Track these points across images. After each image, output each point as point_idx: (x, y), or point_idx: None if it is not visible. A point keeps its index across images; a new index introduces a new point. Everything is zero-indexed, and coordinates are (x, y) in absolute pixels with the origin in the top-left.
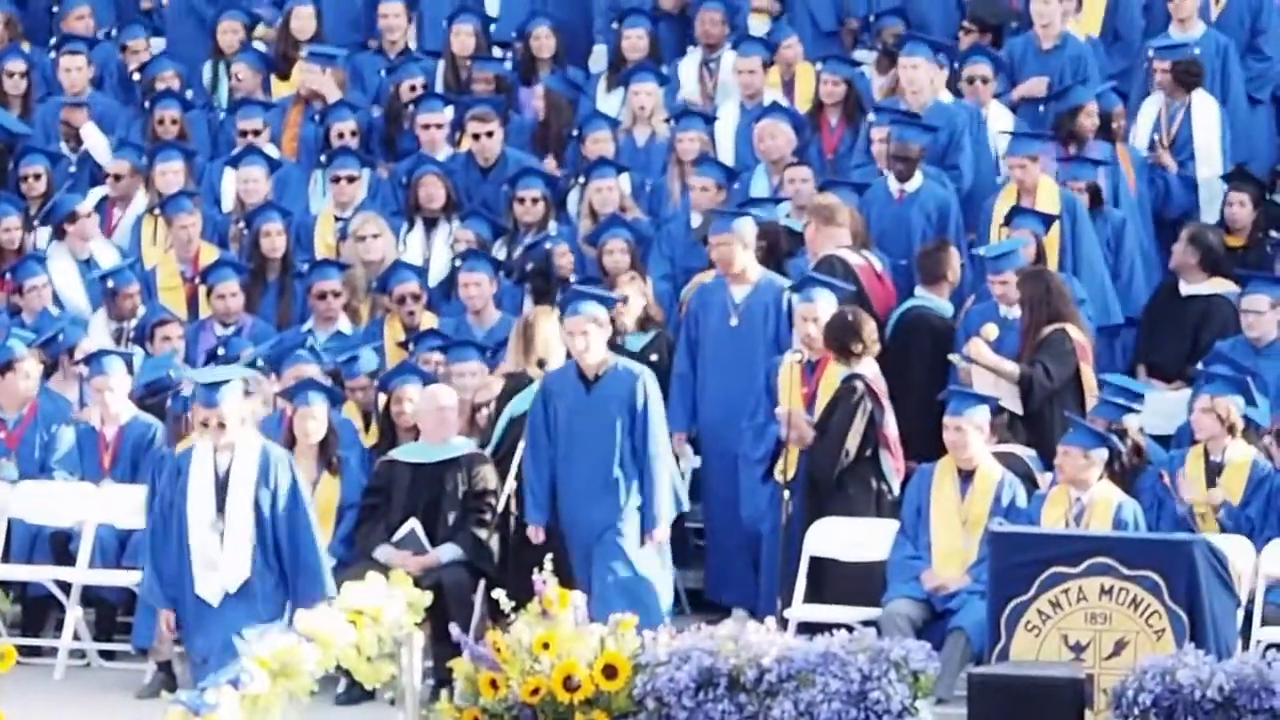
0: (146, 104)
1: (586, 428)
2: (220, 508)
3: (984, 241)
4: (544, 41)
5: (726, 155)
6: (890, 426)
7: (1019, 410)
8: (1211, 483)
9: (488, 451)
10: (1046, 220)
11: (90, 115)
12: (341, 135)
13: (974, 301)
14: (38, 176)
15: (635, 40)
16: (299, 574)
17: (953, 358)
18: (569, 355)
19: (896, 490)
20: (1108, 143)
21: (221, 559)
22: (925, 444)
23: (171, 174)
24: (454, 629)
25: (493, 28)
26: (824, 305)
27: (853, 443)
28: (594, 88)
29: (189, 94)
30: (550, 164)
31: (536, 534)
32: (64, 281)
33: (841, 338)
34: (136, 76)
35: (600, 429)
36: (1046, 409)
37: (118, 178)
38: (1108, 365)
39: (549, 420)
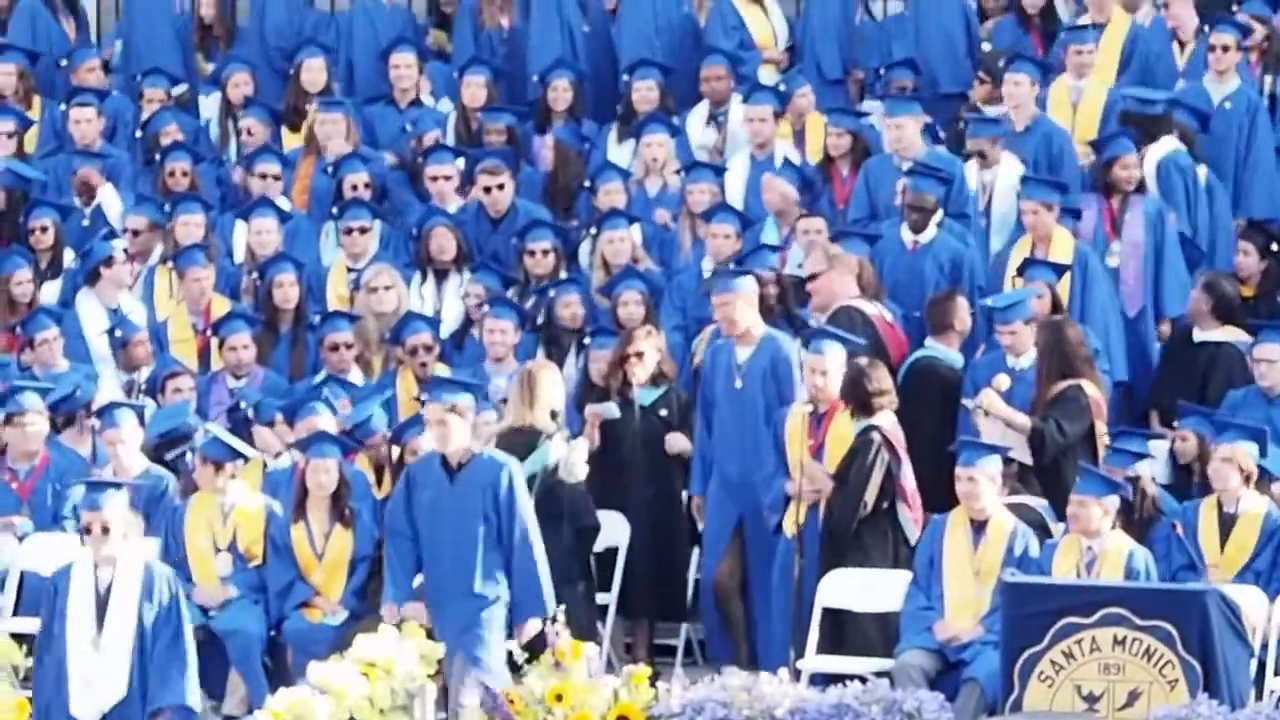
0: (154, 156)
1: (449, 518)
2: (100, 624)
3: (997, 292)
4: (560, 94)
5: (737, 206)
6: (907, 478)
7: (1029, 461)
8: (1226, 536)
9: None
10: (1059, 270)
11: (103, 172)
12: (355, 187)
13: (983, 352)
14: (45, 229)
15: (645, 92)
16: (164, 693)
17: (966, 402)
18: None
19: (914, 542)
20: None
21: (99, 677)
22: (934, 494)
23: (193, 225)
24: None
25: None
26: (833, 357)
27: (871, 495)
28: (605, 139)
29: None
30: (560, 217)
31: (391, 613)
32: (91, 329)
33: (858, 392)
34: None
35: (463, 519)
36: (1060, 459)
37: (136, 233)
38: (1119, 412)
39: (411, 509)
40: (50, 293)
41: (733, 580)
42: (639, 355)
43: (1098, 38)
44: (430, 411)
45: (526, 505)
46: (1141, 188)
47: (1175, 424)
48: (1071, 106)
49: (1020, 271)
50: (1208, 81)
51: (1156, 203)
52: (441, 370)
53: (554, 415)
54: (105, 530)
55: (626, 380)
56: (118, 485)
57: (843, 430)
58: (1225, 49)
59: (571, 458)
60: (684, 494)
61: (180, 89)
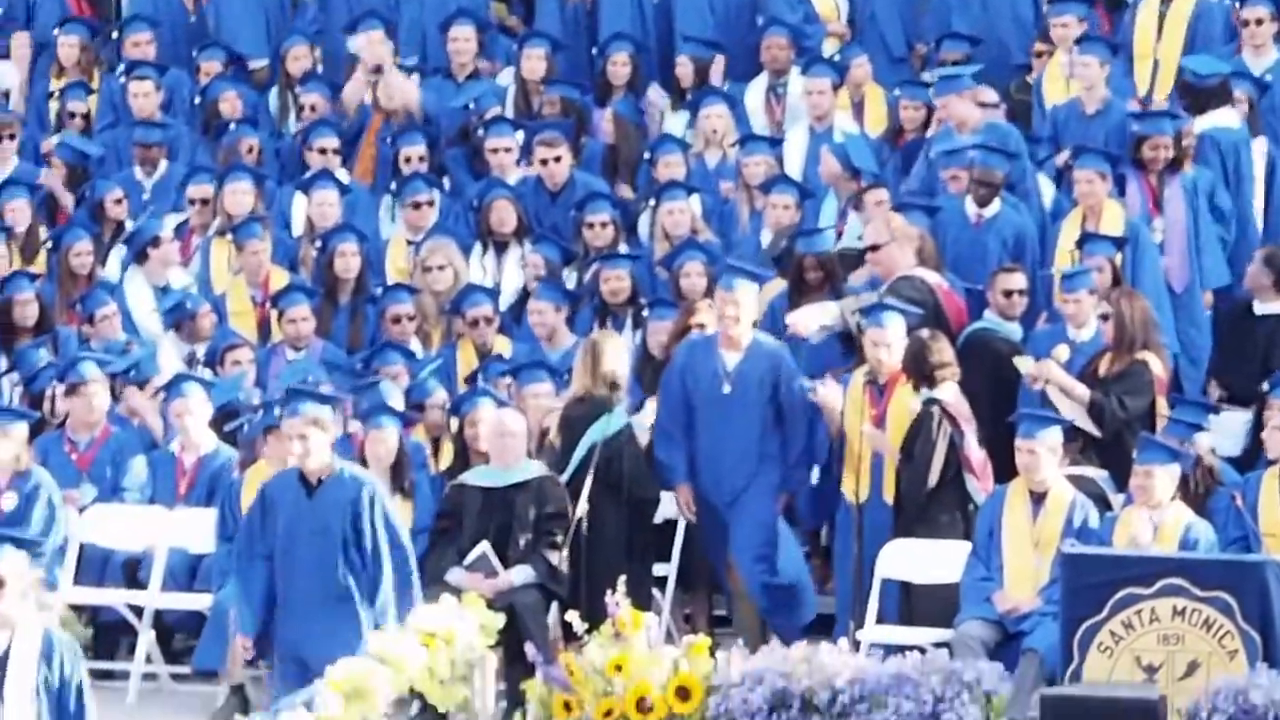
0: (211, 127)
1: (307, 537)
2: None
3: (1049, 264)
4: (619, 67)
5: (795, 178)
6: (972, 449)
7: (1096, 432)
8: None
9: (563, 476)
10: (1119, 244)
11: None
12: (409, 160)
13: (1045, 321)
14: (118, 201)
15: (619, 66)
16: None
17: (1020, 364)
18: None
19: (975, 506)
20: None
21: None
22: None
23: (241, 194)
24: (529, 648)
25: None
26: (893, 329)
27: (935, 469)
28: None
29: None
30: (624, 190)
31: (245, 647)
32: (139, 308)
33: (919, 365)
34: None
35: (321, 538)
36: (1122, 431)
37: (205, 202)
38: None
39: (266, 528)
40: (115, 263)
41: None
42: (701, 327)
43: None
44: (289, 427)
45: (391, 523)
46: (1177, 164)
47: (1270, 395)
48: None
49: (1080, 244)
50: (1246, 57)
51: (1192, 177)
52: (501, 343)
53: (614, 386)
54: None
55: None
56: (17, 541)
57: (904, 401)
58: (1260, 22)
59: (632, 425)
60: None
61: (259, 64)
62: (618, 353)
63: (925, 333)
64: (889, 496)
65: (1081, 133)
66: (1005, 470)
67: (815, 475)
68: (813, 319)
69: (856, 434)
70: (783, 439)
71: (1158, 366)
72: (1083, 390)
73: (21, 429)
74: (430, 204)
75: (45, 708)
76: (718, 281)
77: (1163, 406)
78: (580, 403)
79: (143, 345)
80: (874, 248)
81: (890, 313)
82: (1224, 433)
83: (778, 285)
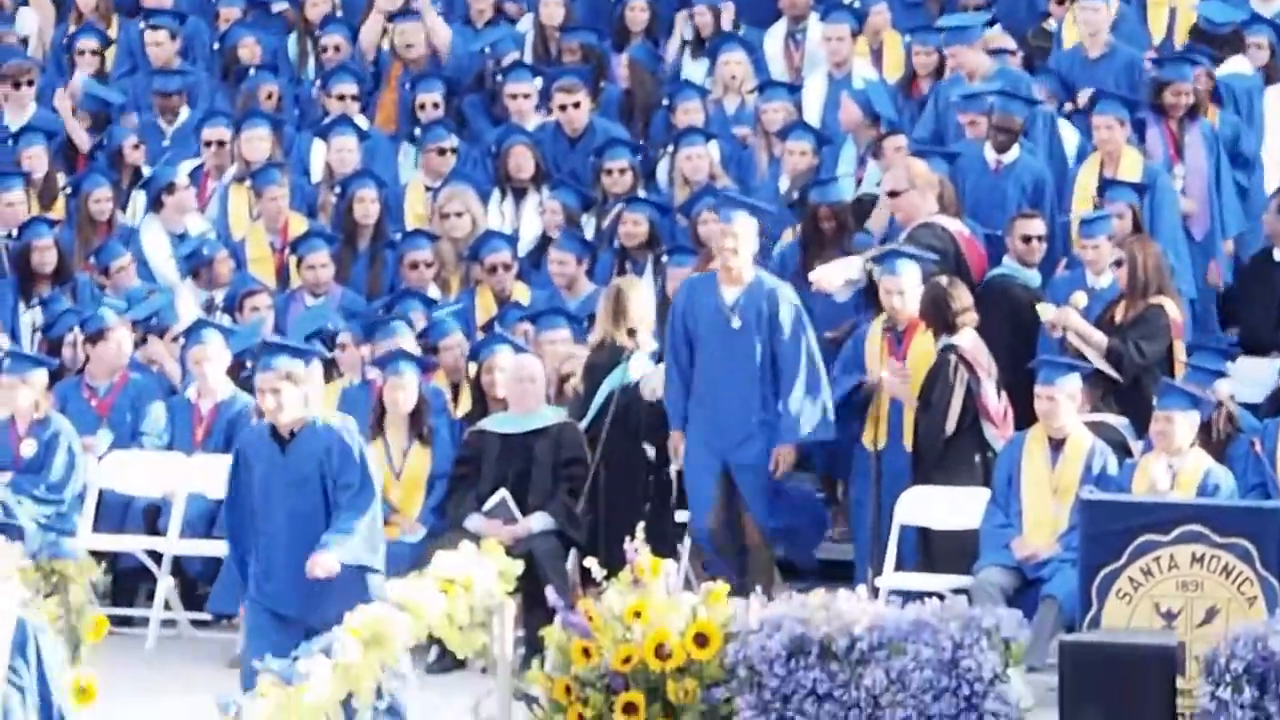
0: (231, 73)
1: (283, 490)
2: None
3: (1067, 210)
4: (637, 13)
5: (814, 125)
6: (989, 396)
7: (1117, 375)
8: None
9: (582, 423)
10: (1140, 190)
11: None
12: (424, 107)
13: (1064, 268)
14: (136, 147)
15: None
16: None
17: (1040, 309)
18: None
19: (994, 452)
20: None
21: None
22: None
23: (259, 141)
24: (550, 592)
25: None
26: (909, 276)
27: (953, 416)
28: (681, 57)
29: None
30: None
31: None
32: (156, 255)
33: (939, 311)
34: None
35: (297, 492)
36: (1141, 377)
37: (221, 144)
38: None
39: (243, 484)
40: (137, 208)
41: (725, 529)
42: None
43: None
44: (262, 380)
45: (361, 461)
46: (1196, 111)
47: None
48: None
49: (1101, 191)
50: (1255, 5)
51: (1213, 124)
52: (520, 289)
53: (632, 333)
54: None
55: None
56: None
57: (924, 347)
58: None
59: (653, 376)
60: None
61: (280, 6)
62: (642, 299)
63: (944, 279)
64: (908, 443)
65: (1087, 78)
66: (1024, 417)
67: (828, 417)
68: (836, 275)
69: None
70: (776, 384)
71: (1173, 310)
72: (1100, 337)
73: (41, 376)
74: (451, 151)
75: (19, 702)
76: (720, 219)
77: (1180, 352)
78: (601, 349)
79: (161, 293)
80: (894, 194)
81: (905, 260)
82: (1245, 379)
83: (787, 236)
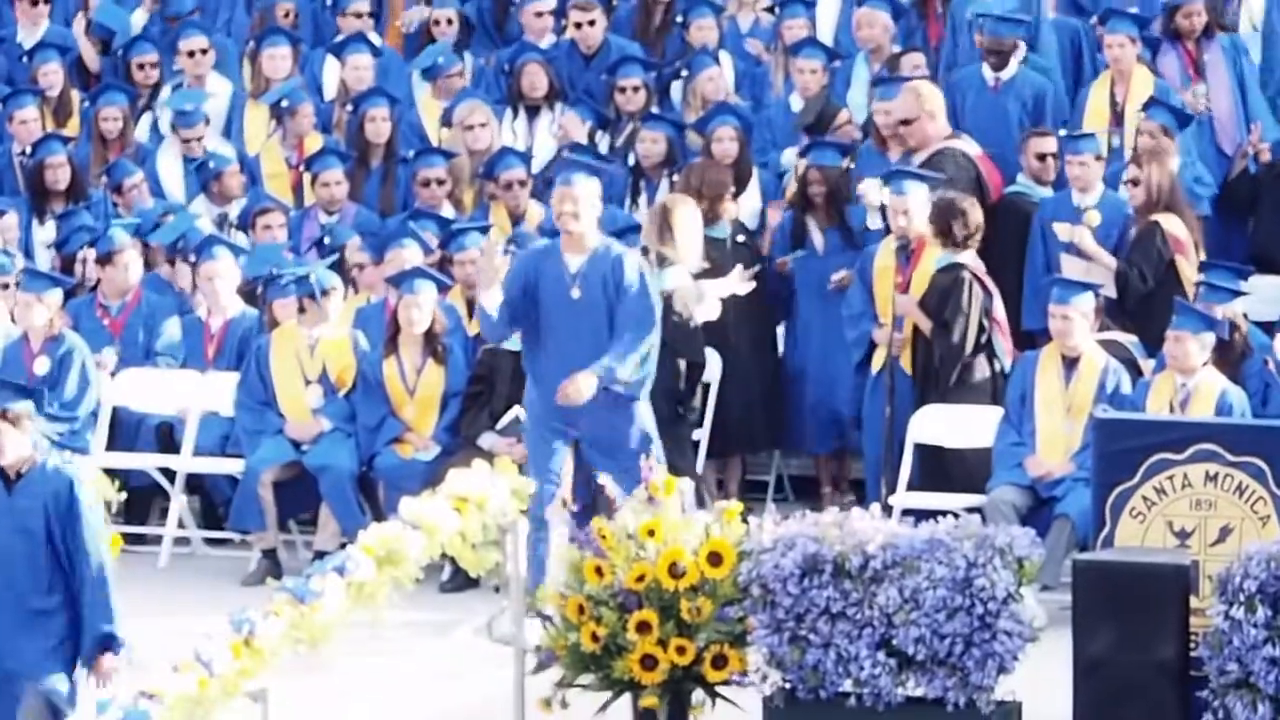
0: None
1: (4, 535)
2: None
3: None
4: None
5: (827, 41)
6: (999, 309)
7: (1113, 295)
8: None
9: None
10: (1181, 119)
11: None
12: (438, 23)
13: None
14: (154, 65)
15: None
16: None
17: (1057, 228)
18: None
19: (1008, 368)
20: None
21: None
22: (1016, 329)
23: (280, 59)
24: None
25: None
26: (914, 195)
27: (971, 332)
28: None
29: None
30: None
31: None
32: (169, 177)
33: (945, 220)
34: None
35: (19, 536)
36: (1150, 296)
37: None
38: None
39: None
40: (145, 127)
41: (578, 499)
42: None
43: None
44: None
45: (95, 521)
46: (1210, 29)
47: None
48: None
49: (1144, 107)
50: None
51: (1232, 38)
52: (534, 207)
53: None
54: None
55: (712, 214)
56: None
57: (931, 265)
58: None
59: (689, 290)
60: (778, 328)
61: None
62: (687, 215)
63: (958, 195)
64: (906, 365)
65: None
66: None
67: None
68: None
69: (886, 302)
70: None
71: (1174, 227)
72: (1109, 259)
73: (56, 294)
74: (458, 74)
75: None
76: (555, 181)
77: (1186, 269)
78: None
79: (180, 214)
80: (905, 122)
81: (910, 180)
82: (1260, 297)
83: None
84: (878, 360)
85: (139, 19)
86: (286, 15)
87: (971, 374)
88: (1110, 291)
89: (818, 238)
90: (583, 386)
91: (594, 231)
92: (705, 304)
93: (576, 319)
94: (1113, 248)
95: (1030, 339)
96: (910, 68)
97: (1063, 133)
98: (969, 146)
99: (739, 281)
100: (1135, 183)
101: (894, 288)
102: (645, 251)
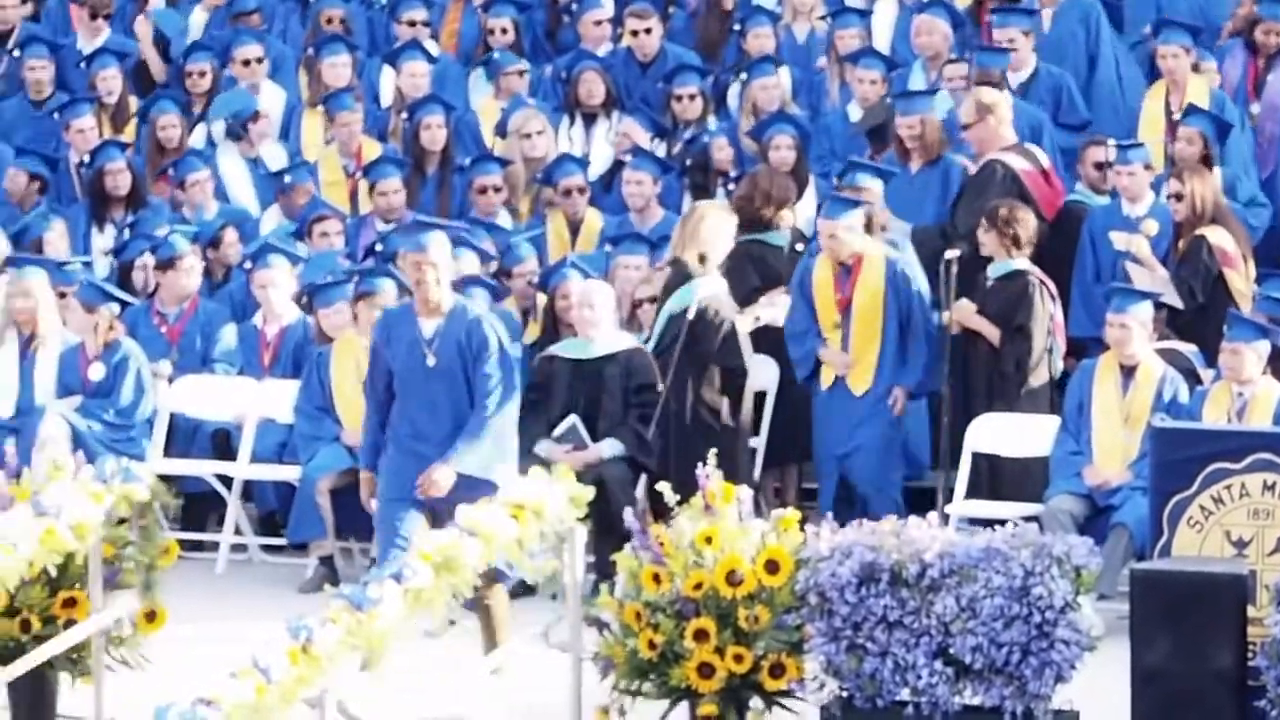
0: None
1: None
2: None
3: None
4: None
5: (883, 50)
6: (1059, 316)
7: (1179, 304)
8: None
9: (649, 347)
10: (1221, 127)
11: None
12: (492, 32)
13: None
14: (203, 74)
15: None
16: None
17: (1115, 236)
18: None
19: (1058, 372)
20: None
21: None
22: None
23: (340, 67)
24: (629, 514)
25: None
26: (845, 219)
27: (1041, 339)
28: None
29: None
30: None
31: None
32: (234, 180)
33: (1000, 233)
34: None
35: None
36: (1207, 306)
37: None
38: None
39: None
40: (200, 136)
41: None
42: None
43: None
44: None
45: None
46: None
47: None
48: None
49: (1184, 116)
50: None
51: None
52: (592, 214)
53: (702, 258)
54: None
55: (774, 222)
56: None
57: (871, 280)
58: None
59: (722, 300)
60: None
61: None
62: (718, 225)
63: (1008, 202)
64: (855, 385)
65: (1168, 4)
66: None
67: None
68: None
69: (829, 317)
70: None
71: (1220, 239)
72: (1161, 270)
73: (112, 303)
74: (519, 74)
75: None
76: (401, 248)
77: (1236, 281)
78: (672, 265)
79: (242, 219)
80: (966, 127)
81: (839, 204)
82: None
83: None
84: (825, 378)
85: (199, 19)
86: (329, 21)
87: (1037, 380)
88: (1174, 300)
89: None
90: (440, 481)
91: (449, 294)
92: (743, 317)
93: (431, 385)
94: (1161, 258)
95: (1080, 347)
96: (947, 78)
97: (1112, 143)
98: (1015, 160)
99: (766, 308)
100: (1178, 197)
101: (834, 304)
102: (674, 263)
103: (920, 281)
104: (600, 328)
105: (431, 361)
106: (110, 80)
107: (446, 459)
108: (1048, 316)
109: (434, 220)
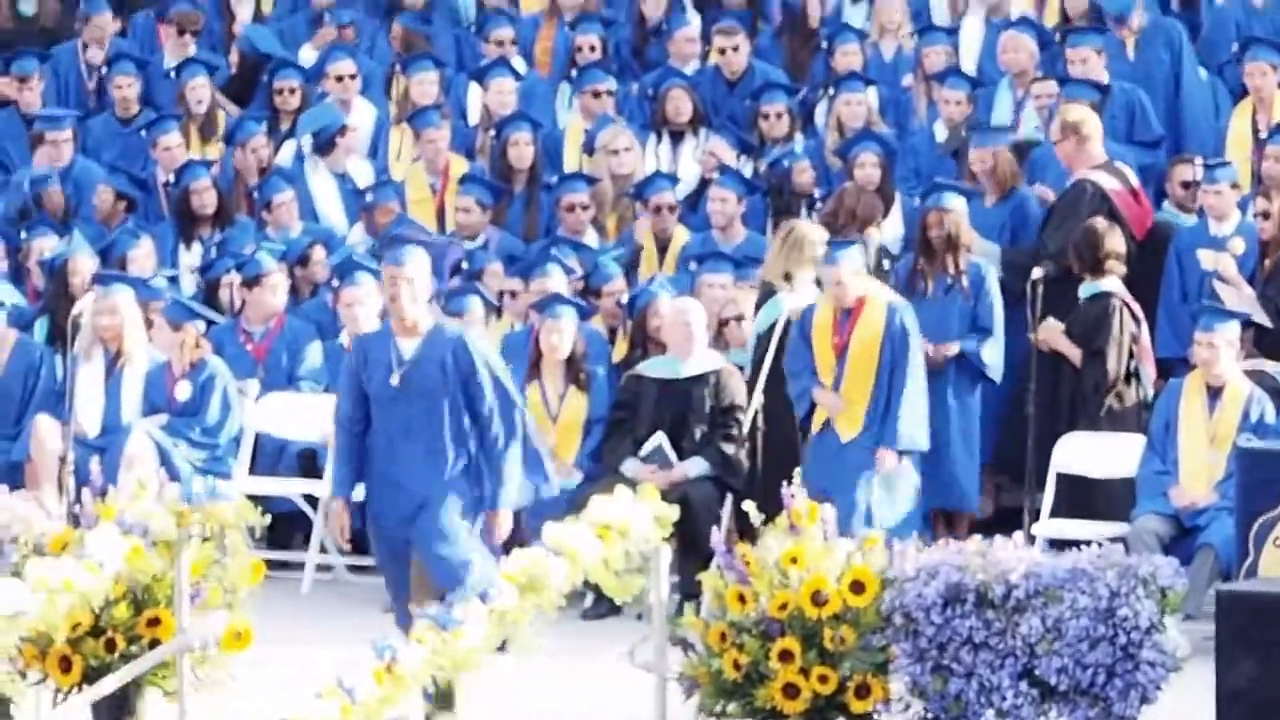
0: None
1: None
2: None
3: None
4: None
5: (970, 69)
6: (1145, 338)
7: (1268, 323)
8: None
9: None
10: None
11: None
12: (581, 49)
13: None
14: (293, 91)
15: None
16: None
17: (1202, 255)
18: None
19: (1149, 396)
20: None
21: None
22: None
23: (428, 84)
24: (716, 534)
25: None
26: (846, 264)
27: (1120, 360)
28: (841, 4)
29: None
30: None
31: None
32: (323, 197)
33: (1090, 251)
34: None
35: None
36: None
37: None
38: None
39: None
40: (286, 154)
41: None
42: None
43: None
44: None
45: None
46: None
47: None
48: None
49: (1271, 135)
50: None
51: None
52: (680, 232)
53: (788, 277)
54: None
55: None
56: None
57: (871, 323)
58: None
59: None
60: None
61: None
62: (818, 242)
63: (1101, 221)
64: (843, 429)
65: (1249, 24)
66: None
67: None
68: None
69: (827, 361)
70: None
71: None
72: (1248, 289)
73: (198, 321)
74: (608, 93)
75: None
76: (385, 260)
77: None
78: (764, 284)
79: (328, 237)
80: (1056, 143)
81: (843, 249)
82: None
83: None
84: (817, 420)
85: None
86: (412, 38)
87: (1120, 402)
88: (1262, 319)
89: (930, 285)
90: (505, 526)
91: (425, 312)
92: None
93: (401, 408)
94: (1248, 276)
95: (1167, 367)
96: (1035, 95)
97: (1199, 162)
98: (1105, 179)
99: None
100: (1265, 215)
101: (831, 347)
102: (764, 283)
103: (915, 335)
104: (695, 346)
105: (395, 381)
106: (199, 89)
107: (495, 507)
108: (1127, 339)
109: (418, 236)
